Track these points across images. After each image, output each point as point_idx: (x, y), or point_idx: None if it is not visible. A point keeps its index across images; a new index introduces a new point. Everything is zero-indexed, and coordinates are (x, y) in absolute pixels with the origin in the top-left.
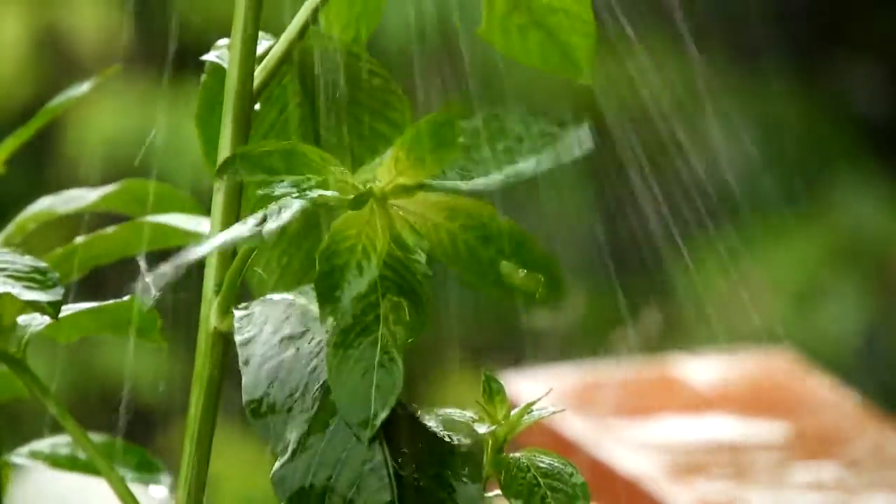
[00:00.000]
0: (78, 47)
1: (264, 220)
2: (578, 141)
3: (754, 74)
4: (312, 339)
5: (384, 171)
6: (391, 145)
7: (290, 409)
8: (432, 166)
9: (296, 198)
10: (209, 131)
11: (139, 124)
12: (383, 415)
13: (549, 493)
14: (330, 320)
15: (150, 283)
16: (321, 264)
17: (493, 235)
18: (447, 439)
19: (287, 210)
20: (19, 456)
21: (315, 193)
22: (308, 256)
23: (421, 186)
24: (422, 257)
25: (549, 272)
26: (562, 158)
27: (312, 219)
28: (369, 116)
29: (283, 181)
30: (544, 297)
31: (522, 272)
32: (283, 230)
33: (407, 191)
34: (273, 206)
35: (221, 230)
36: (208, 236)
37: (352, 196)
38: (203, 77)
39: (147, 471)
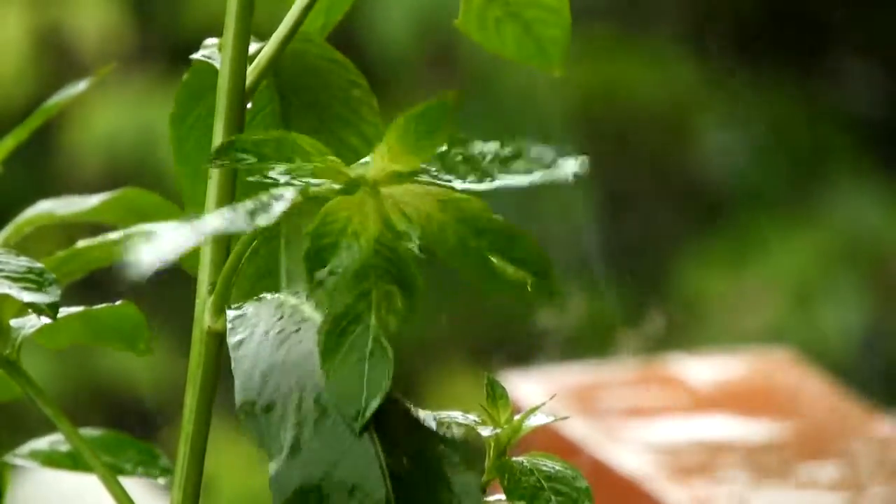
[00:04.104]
0: (79, 47)
1: (255, 210)
2: (571, 168)
3: (754, 74)
4: (304, 338)
5: (377, 159)
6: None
7: (284, 411)
8: (425, 151)
9: (288, 184)
10: (182, 130)
11: (139, 124)
12: (375, 404)
13: (553, 496)
14: (317, 311)
15: (135, 266)
16: (309, 242)
17: (485, 229)
18: (439, 431)
19: (280, 201)
20: (19, 457)
21: (307, 180)
22: (265, 263)
23: (414, 174)
24: (414, 244)
25: (540, 268)
26: (555, 179)
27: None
28: (342, 128)
29: (275, 167)
30: (535, 294)
31: (513, 268)
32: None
33: (400, 178)
34: (264, 197)
35: (212, 239)
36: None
37: (343, 183)
38: (185, 75)
39: (149, 464)
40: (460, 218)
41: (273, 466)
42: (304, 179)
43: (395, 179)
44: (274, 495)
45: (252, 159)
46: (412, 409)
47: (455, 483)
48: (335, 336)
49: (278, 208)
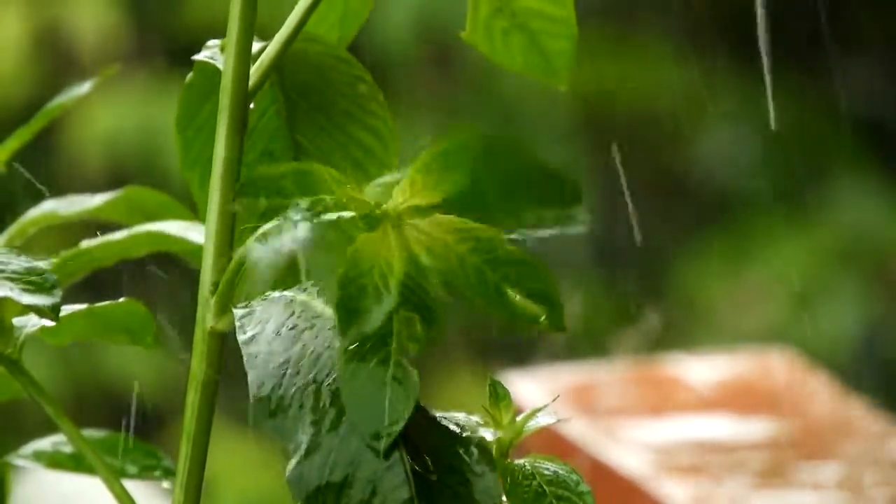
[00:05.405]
0: (78, 47)
1: (273, 233)
2: (574, 220)
3: (753, 74)
4: (318, 335)
5: (399, 192)
6: (371, 154)
7: (300, 407)
8: (446, 188)
9: (310, 219)
10: (188, 134)
11: (140, 123)
12: (397, 427)
13: (554, 500)
14: (329, 308)
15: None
16: (339, 290)
17: (501, 261)
18: (458, 431)
19: (295, 237)
20: (22, 457)
21: (332, 215)
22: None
23: (435, 207)
24: (437, 280)
25: (551, 302)
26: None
27: None
28: (350, 124)
29: (297, 204)
30: (545, 325)
31: (527, 300)
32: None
33: (421, 212)
34: (283, 224)
35: (215, 240)
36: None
37: (366, 214)
38: (188, 77)
39: (152, 466)
40: (478, 249)
41: (291, 463)
42: (328, 214)
43: (417, 213)
44: (293, 492)
45: (274, 196)
46: (429, 409)
47: (476, 484)
48: (356, 362)
49: (292, 243)
